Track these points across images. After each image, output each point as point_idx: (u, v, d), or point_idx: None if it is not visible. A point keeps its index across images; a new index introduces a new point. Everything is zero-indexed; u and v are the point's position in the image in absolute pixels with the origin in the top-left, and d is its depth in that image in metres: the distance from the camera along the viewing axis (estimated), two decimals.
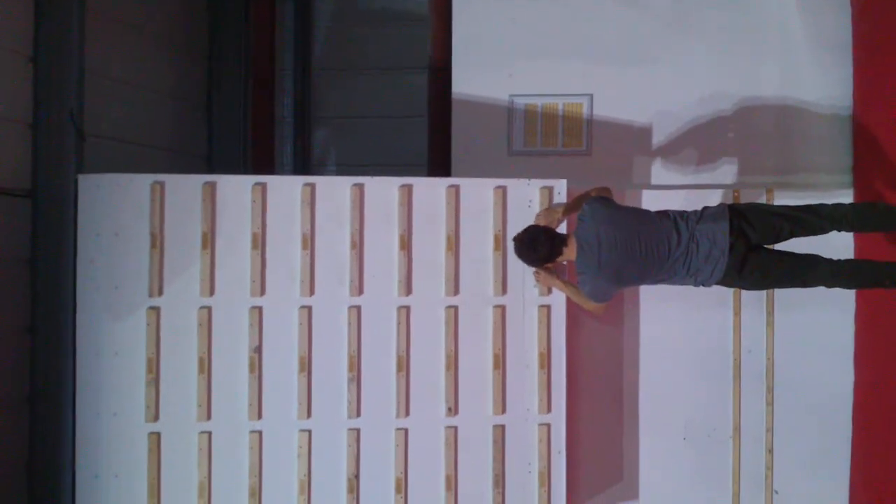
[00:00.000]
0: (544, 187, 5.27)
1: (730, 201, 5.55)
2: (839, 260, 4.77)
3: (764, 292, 5.49)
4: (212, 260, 5.06)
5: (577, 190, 5.38)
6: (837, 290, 5.13)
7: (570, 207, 5.04)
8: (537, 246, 4.71)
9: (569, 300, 5.20)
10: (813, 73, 5.86)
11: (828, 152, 5.82)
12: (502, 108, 6.09)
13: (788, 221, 4.69)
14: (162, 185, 5.05)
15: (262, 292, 5.08)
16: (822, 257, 4.75)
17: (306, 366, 5.09)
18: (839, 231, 4.77)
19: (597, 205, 4.73)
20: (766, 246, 4.81)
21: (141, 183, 5.05)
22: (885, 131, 5.44)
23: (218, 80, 7.32)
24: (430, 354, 5.18)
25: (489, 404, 5.20)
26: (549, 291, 5.21)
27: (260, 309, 5.08)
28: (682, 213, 4.75)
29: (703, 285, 4.78)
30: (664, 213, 4.78)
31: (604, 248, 4.60)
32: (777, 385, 5.57)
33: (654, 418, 5.62)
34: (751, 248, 4.66)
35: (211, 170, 7.12)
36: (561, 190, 5.27)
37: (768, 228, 4.68)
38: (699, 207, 4.80)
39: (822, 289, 5.28)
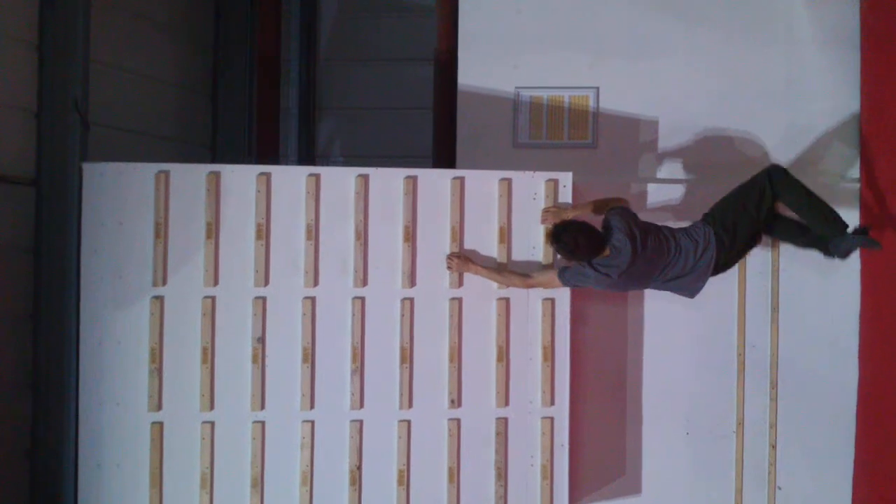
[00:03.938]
0: (549, 180, 5.26)
1: None
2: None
3: (769, 289, 5.50)
4: (216, 250, 5.05)
5: (582, 184, 5.37)
6: (843, 287, 5.18)
7: (582, 211, 5.10)
8: (578, 249, 4.80)
9: (574, 296, 5.20)
10: (820, 67, 5.82)
11: (834, 146, 5.79)
12: (508, 100, 6.06)
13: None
14: (166, 174, 5.04)
15: (266, 282, 5.07)
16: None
17: (309, 357, 5.08)
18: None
19: (632, 224, 4.89)
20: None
21: (145, 172, 5.04)
22: (893, 126, 5.41)
23: (223, 70, 7.31)
24: (434, 346, 5.17)
25: (492, 397, 5.19)
26: (462, 278, 5.22)
27: (263, 299, 5.07)
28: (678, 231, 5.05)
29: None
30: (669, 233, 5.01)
31: (632, 269, 4.84)
32: (781, 380, 5.56)
33: (657, 413, 5.62)
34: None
35: (215, 159, 7.11)
36: (566, 182, 5.26)
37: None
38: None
39: (827, 281, 5.30)
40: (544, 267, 5.14)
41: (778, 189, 4.99)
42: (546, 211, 5.17)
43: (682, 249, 4.89)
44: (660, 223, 5.05)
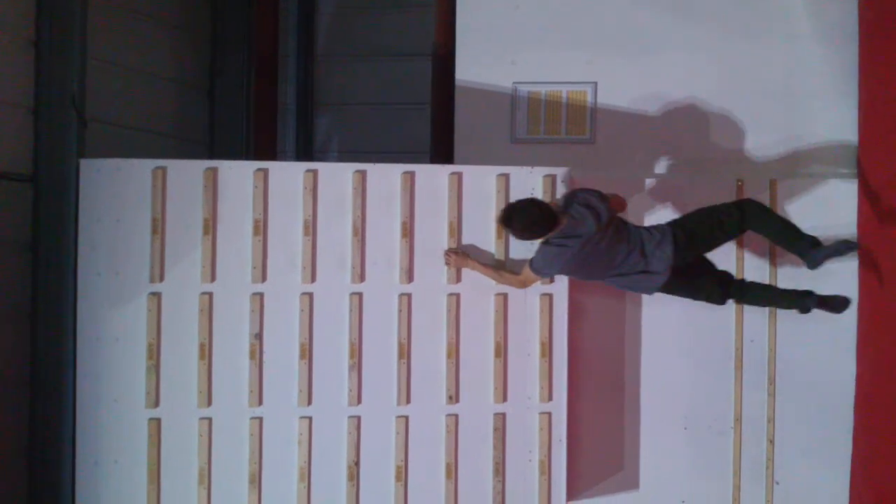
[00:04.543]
0: (547, 175, 5.26)
1: (733, 191, 5.54)
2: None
3: (767, 281, 5.49)
4: (213, 246, 5.06)
5: (580, 179, 5.38)
6: (841, 283, 5.22)
7: (484, 269, 5.14)
8: (534, 226, 4.69)
9: (572, 291, 5.20)
10: (818, 61, 5.82)
11: (833, 142, 5.79)
12: (506, 96, 6.06)
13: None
14: (164, 170, 5.04)
15: (264, 278, 5.07)
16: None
17: (307, 353, 5.08)
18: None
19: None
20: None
21: (142, 168, 5.04)
22: (891, 120, 5.41)
23: (221, 67, 7.30)
24: (432, 342, 5.17)
25: (490, 392, 5.20)
26: (460, 274, 5.22)
27: (261, 295, 5.07)
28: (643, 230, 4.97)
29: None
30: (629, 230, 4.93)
31: (596, 239, 4.71)
32: (779, 375, 5.56)
33: (655, 408, 5.61)
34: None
35: (212, 156, 7.10)
36: (564, 178, 5.26)
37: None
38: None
39: (826, 276, 5.31)
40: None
41: (749, 216, 4.99)
42: (447, 254, 5.20)
43: (640, 240, 4.84)
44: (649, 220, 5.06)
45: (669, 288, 4.98)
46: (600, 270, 4.88)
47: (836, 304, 5.12)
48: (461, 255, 5.14)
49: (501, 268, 5.16)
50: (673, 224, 4.95)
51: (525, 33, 6.08)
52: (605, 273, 4.91)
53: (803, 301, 5.11)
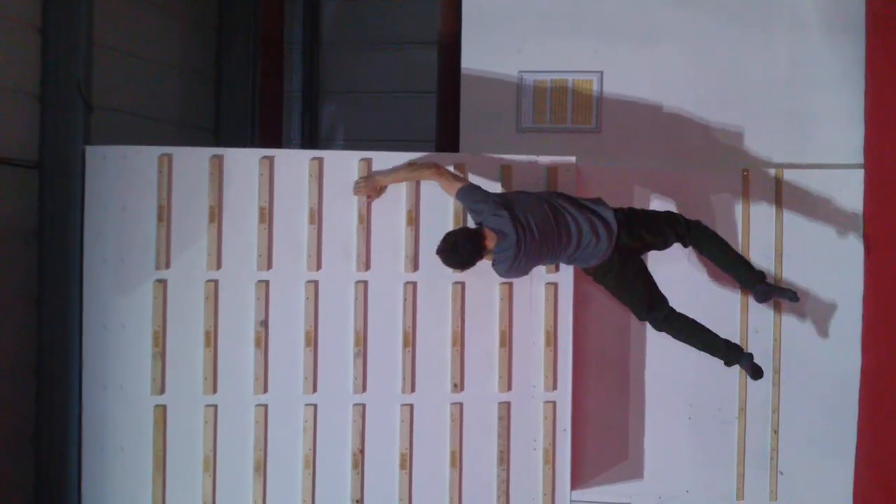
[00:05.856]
0: (553, 165, 5.24)
1: (738, 181, 5.54)
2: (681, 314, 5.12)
3: (773, 273, 5.48)
4: (219, 233, 5.05)
5: (586, 169, 5.37)
6: (846, 272, 5.22)
7: (396, 175, 5.07)
8: (458, 249, 4.61)
9: (577, 280, 5.20)
10: (825, 50, 5.80)
11: (839, 130, 5.77)
12: (511, 85, 6.05)
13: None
14: (169, 157, 5.04)
15: (269, 266, 5.08)
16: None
17: (312, 340, 5.09)
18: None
19: (505, 195, 4.84)
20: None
21: (148, 155, 5.03)
22: None
23: (227, 54, 7.29)
24: (437, 330, 5.17)
25: (495, 381, 5.19)
26: (377, 194, 5.12)
27: (266, 283, 5.07)
28: (573, 200, 4.90)
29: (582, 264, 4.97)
30: (551, 197, 4.87)
31: (528, 233, 4.62)
32: (784, 365, 5.55)
33: (659, 397, 5.61)
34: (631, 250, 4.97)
35: (218, 143, 7.10)
36: (569, 167, 5.25)
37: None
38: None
39: (830, 267, 5.31)
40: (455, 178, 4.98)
41: (695, 229, 5.05)
42: (356, 183, 5.09)
43: (574, 214, 4.77)
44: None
45: (610, 271, 4.93)
46: (551, 254, 4.80)
47: (755, 370, 5.15)
48: (368, 178, 5.05)
49: (413, 165, 5.08)
50: (618, 209, 4.94)
51: (531, 22, 6.07)
52: (561, 254, 4.83)
53: (729, 355, 5.15)
